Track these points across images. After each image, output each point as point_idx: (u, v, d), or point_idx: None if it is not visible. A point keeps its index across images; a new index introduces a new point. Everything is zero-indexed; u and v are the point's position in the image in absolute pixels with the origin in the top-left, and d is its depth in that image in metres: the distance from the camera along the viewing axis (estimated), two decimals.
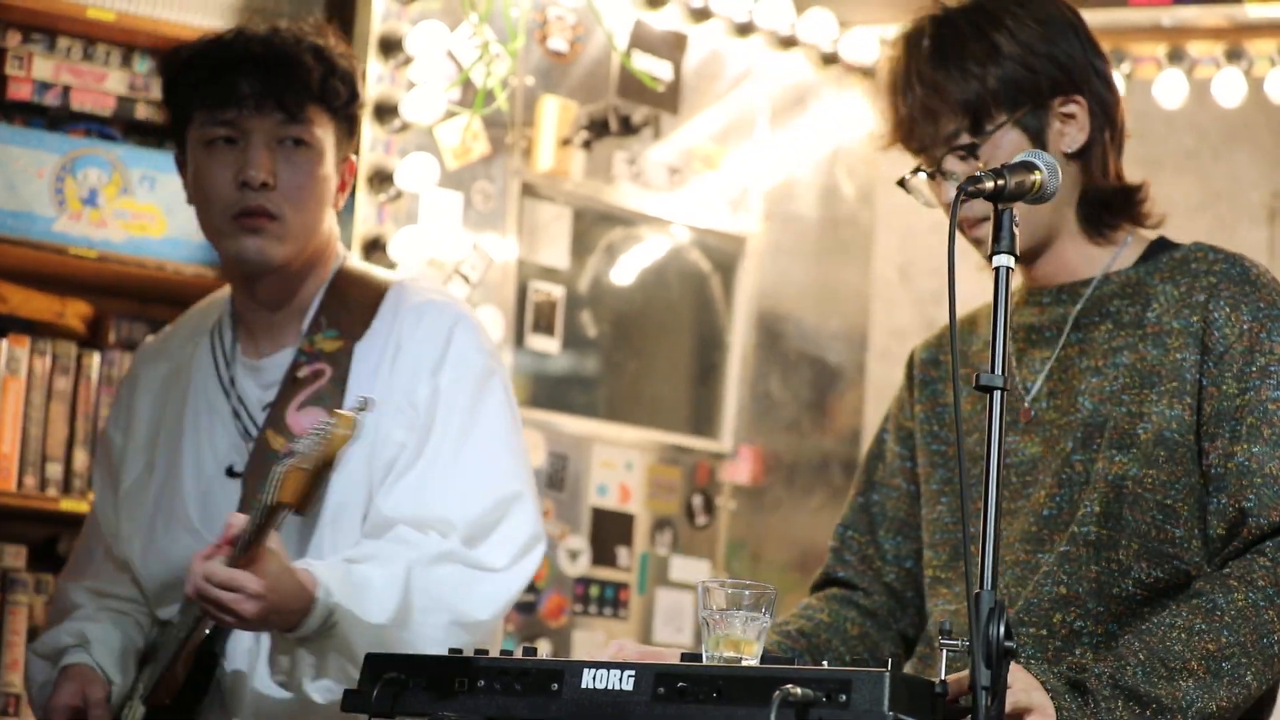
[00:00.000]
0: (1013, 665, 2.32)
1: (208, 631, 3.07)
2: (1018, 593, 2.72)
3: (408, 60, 4.77)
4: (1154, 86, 5.36)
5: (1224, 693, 2.57)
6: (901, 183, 2.90)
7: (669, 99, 5.21)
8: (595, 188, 5.12)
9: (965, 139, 2.80)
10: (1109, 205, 2.88)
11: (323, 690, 2.95)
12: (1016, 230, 2.44)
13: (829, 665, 2.81)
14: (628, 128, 5.03)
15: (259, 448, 3.12)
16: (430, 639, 2.99)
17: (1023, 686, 2.45)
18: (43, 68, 4.47)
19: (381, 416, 3.07)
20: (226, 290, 3.33)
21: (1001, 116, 2.79)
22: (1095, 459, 2.75)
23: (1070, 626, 2.70)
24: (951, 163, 2.82)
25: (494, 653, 2.46)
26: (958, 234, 2.62)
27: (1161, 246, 2.89)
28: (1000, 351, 2.37)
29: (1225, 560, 2.68)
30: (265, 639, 3.00)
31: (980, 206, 2.72)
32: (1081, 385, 2.81)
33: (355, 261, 3.29)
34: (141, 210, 4.45)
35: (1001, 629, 2.22)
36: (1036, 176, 2.50)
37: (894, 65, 2.86)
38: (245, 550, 2.79)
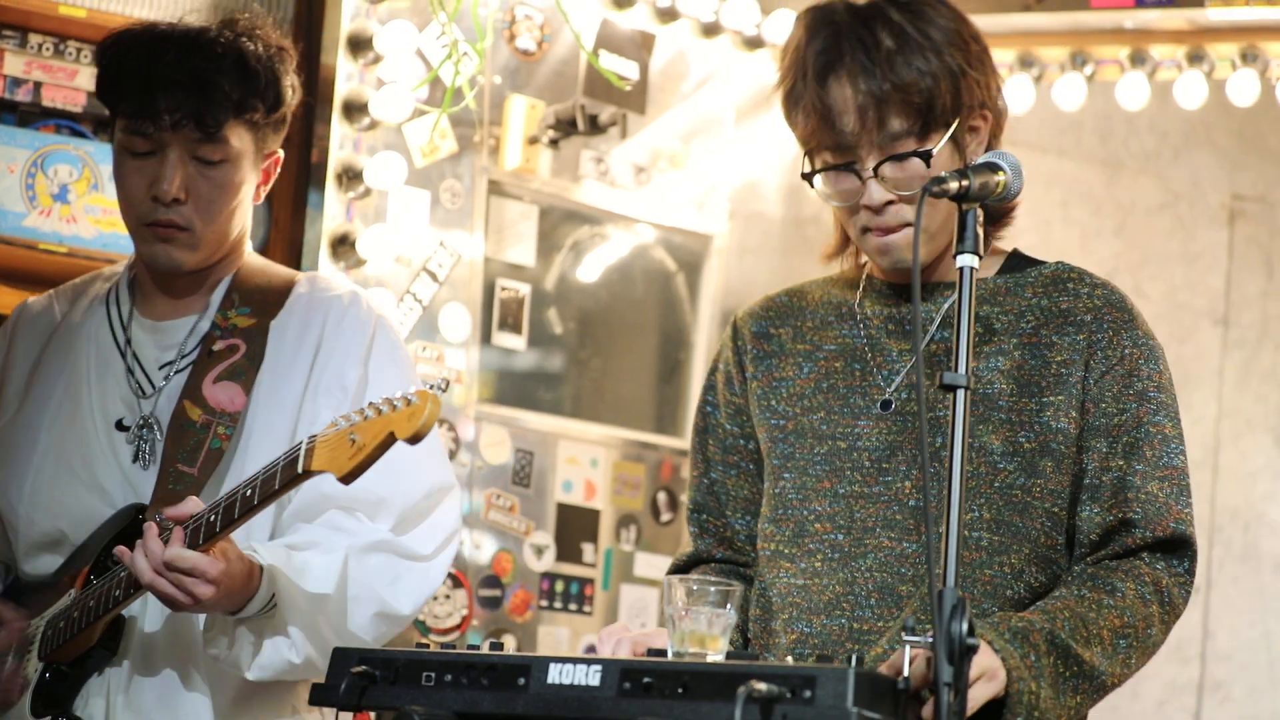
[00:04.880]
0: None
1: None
2: (882, 578, 2.73)
3: (377, 59, 4.78)
4: (1116, 88, 5.38)
5: (1118, 668, 2.65)
6: (807, 177, 2.83)
7: (636, 98, 5.23)
8: (562, 186, 5.13)
9: (911, 144, 2.70)
10: (991, 217, 2.82)
11: (259, 669, 3.01)
12: (980, 232, 2.47)
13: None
14: (594, 127, 5.04)
15: (176, 417, 3.15)
16: (357, 627, 3.06)
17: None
18: (14, 64, 4.48)
19: (312, 398, 3.15)
20: (120, 264, 3.38)
21: (943, 125, 2.71)
22: (970, 459, 2.73)
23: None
24: (886, 166, 2.73)
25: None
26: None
27: (1022, 259, 2.88)
28: (965, 350, 2.40)
29: (1097, 562, 2.73)
30: None
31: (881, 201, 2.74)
32: None
33: (256, 255, 3.34)
34: (111, 206, 4.43)
35: (964, 626, 2.26)
36: (1000, 177, 2.51)
37: (835, 45, 2.72)
38: (211, 537, 2.83)
